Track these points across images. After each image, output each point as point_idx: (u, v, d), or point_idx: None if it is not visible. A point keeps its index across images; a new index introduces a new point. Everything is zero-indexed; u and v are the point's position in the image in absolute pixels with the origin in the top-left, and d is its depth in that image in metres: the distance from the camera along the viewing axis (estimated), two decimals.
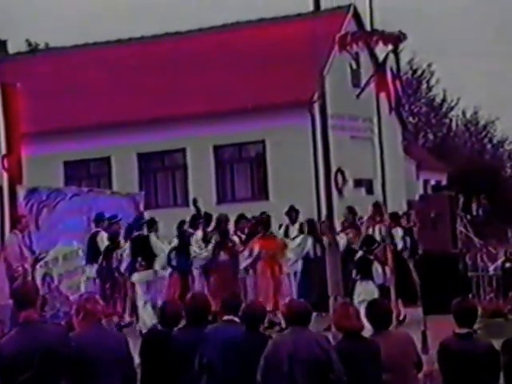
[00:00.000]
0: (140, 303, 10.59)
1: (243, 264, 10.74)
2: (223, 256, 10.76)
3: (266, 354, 5.19)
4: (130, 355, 5.17)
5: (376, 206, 11.36)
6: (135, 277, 10.75)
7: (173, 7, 41.22)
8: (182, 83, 19.91)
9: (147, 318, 10.43)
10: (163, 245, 11.10)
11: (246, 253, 10.78)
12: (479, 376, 5.26)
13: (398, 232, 11.01)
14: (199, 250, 10.96)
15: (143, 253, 10.75)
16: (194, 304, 5.78)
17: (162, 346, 5.67)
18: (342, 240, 10.83)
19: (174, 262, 11.00)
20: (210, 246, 10.90)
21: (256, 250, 10.76)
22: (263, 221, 11.16)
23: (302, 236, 10.97)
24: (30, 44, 31.45)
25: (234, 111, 19.04)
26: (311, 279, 10.49)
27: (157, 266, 10.80)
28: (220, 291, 10.18)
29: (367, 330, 5.65)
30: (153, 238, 10.95)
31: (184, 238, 11.15)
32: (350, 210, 11.40)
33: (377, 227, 11.09)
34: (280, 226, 12.03)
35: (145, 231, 10.91)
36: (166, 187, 20.53)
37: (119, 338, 5.25)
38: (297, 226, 11.48)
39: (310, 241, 10.79)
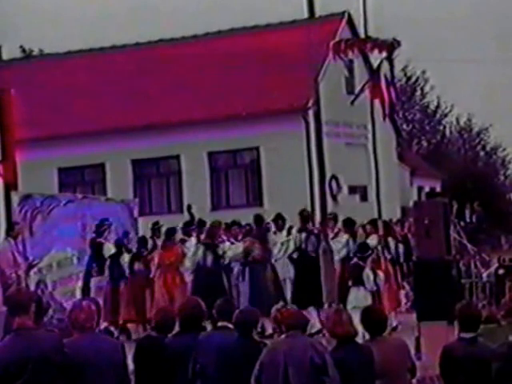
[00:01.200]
0: None
1: (152, 273, 11.22)
2: (138, 265, 11.21)
3: (261, 359, 5.21)
4: (125, 362, 5.15)
5: (301, 214, 11.42)
6: (91, 282, 11.21)
7: (168, 14, 41.30)
8: (177, 89, 19.93)
9: None
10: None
11: (152, 262, 11.27)
12: (483, 381, 5.25)
13: (375, 240, 10.90)
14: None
15: (98, 259, 11.21)
16: (188, 310, 5.78)
17: (156, 352, 5.67)
18: (239, 248, 10.96)
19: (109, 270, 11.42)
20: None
21: (156, 260, 11.15)
22: (166, 231, 11.44)
23: (195, 245, 11.14)
24: (24, 50, 31.42)
25: (228, 118, 19.07)
26: (200, 288, 10.56)
27: (106, 272, 11.26)
28: (131, 299, 10.81)
29: (361, 336, 5.67)
30: (106, 244, 11.27)
31: (120, 247, 11.41)
32: (258, 218, 11.43)
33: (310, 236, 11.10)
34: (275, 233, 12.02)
35: (103, 238, 11.24)
36: (160, 194, 20.52)
37: (114, 344, 5.23)
38: (284, 233, 11.51)
39: (200, 249, 10.91)
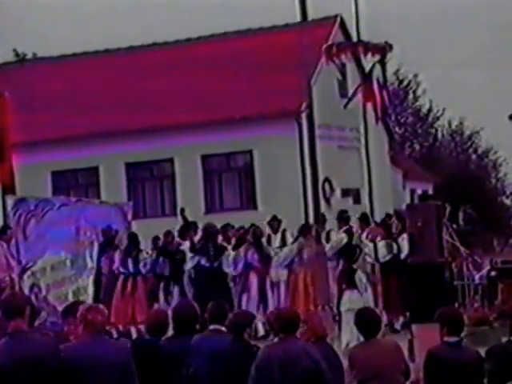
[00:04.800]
0: None
1: None
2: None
3: (256, 362, 5.23)
4: (131, 365, 5.03)
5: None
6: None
7: (160, 17, 41.35)
8: (170, 93, 19.95)
9: None
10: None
11: None
12: None
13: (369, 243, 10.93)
14: None
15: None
16: (182, 313, 5.79)
17: (150, 355, 5.66)
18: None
19: None
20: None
21: None
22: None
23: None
24: (17, 54, 31.36)
25: (221, 121, 19.09)
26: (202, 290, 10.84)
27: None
28: None
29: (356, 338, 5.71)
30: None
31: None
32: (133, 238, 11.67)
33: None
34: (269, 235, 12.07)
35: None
36: (154, 197, 20.52)
37: (120, 348, 5.13)
38: (279, 235, 11.55)
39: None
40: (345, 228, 11.00)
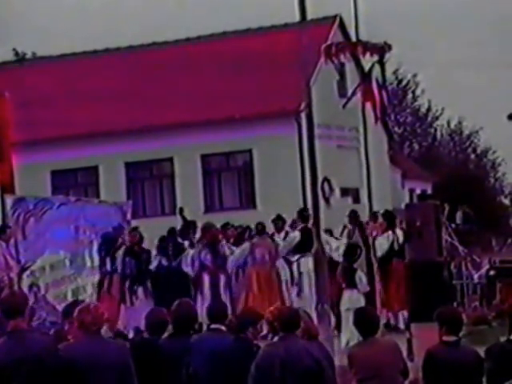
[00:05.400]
0: None
1: None
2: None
3: (257, 361, 5.24)
4: (130, 366, 5.05)
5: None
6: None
7: (160, 16, 41.40)
8: (170, 92, 19.97)
9: None
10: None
11: None
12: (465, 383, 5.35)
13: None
14: None
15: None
16: (181, 312, 5.80)
17: (150, 354, 5.68)
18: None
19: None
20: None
21: None
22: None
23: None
24: (17, 53, 31.39)
25: (221, 120, 19.12)
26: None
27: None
28: None
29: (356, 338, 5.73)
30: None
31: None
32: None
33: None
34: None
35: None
36: (153, 196, 20.54)
37: (119, 347, 5.13)
38: (282, 234, 11.57)
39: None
40: (301, 226, 11.11)
